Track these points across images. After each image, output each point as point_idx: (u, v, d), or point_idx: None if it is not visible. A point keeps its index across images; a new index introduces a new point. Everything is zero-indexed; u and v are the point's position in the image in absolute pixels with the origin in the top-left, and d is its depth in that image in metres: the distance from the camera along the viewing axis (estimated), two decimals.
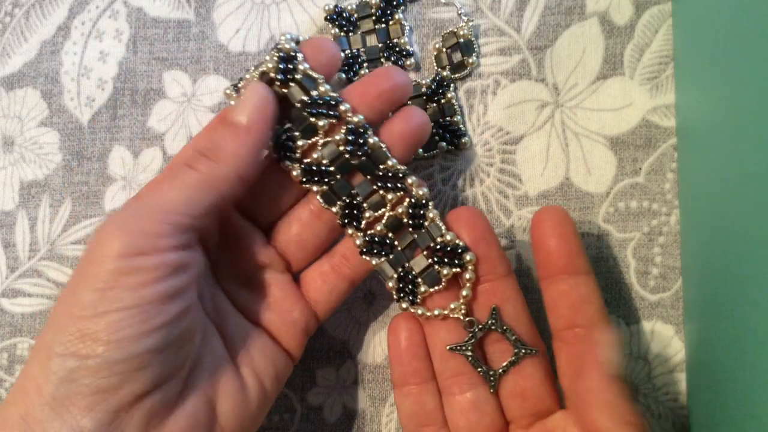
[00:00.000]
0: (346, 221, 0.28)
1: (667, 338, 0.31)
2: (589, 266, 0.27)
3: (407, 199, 0.27)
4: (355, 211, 0.27)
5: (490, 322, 0.27)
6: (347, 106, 0.27)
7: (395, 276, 0.28)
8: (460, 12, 0.33)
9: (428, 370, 0.28)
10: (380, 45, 0.33)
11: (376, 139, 0.27)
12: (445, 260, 0.27)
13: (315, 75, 0.27)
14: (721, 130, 0.26)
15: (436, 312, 0.27)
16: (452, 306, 0.27)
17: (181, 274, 0.23)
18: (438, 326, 0.28)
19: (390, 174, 0.27)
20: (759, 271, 0.23)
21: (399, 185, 0.27)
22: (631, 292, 0.31)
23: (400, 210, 0.27)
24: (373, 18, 0.33)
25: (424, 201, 0.27)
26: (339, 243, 0.29)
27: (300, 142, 0.27)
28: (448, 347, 0.27)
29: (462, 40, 0.32)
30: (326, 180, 0.27)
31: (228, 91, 0.27)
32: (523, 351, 0.27)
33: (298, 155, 0.27)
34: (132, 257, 0.22)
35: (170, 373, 0.23)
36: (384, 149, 0.27)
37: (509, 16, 0.33)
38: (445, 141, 0.32)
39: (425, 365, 0.28)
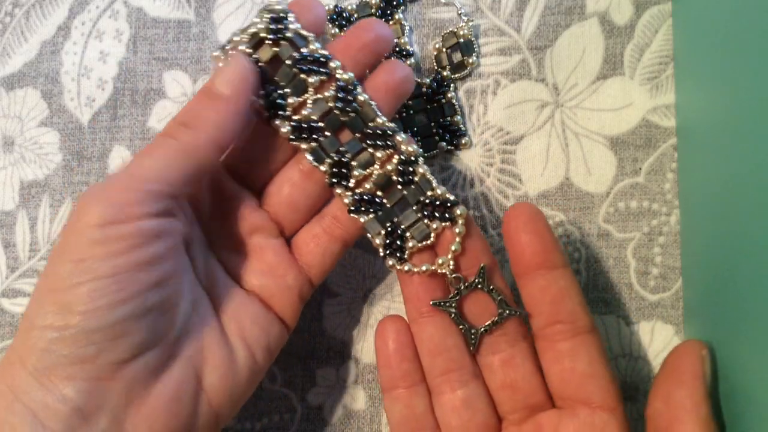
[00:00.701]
0: (334, 180, 0.27)
1: (667, 338, 0.31)
2: (566, 259, 0.26)
3: (396, 156, 0.27)
4: (343, 170, 0.27)
5: (477, 280, 0.26)
6: (337, 63, 0.27)
7: (382, 232, 0.27)
8: (460, 12, 0.33)
9: (417, 372, 0.28)
10: None
11: (365, 96, 0.27)
12: (435, 214, 0.27)
13: (305, 33, 0.27)
14: (721, 130, 0.26)
15: (423, 267, 0.27)
16: (440, 261, 0.27)
17: (158, 241, 0.24)
18: (425, 323, 0.27)
19: (379, 131, 0.27)
20: (759, 271, 0.23)
21: (388, 143, 0.27)
22: (631, 292, 0.31)
23: (389, 167, 0.27)
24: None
25: (413, 158, 0.27)
26: (329, 204, 0.29)
27: (290, 100, 0.27)
28: (432, 302, 0.27)
29: (462, 40, 0.32)
30: (315, 137, 0.27)
31: (216, 54, 0.27)
32: (507, 312, 0.26)
33: (288, 113, 0.27)
34: (107, 226, 0.22)
35: (152, 340, 0.24)
36: (373, 106, 0.27)
37: (509, 16, 0.33)
38: (445, 141, 0.32)
39: (414, 367, 0.28)
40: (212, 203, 0.28)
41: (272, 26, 0.26)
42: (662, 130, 0.32)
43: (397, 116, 0.32)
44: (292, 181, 0.28)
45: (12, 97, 0.34)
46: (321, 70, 0.27)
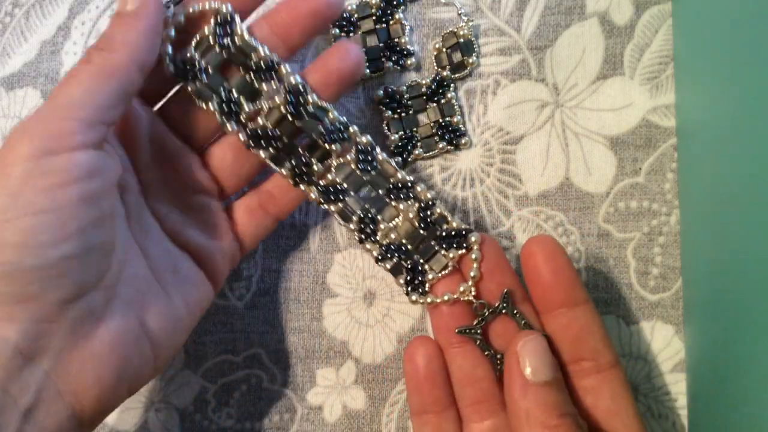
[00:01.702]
0: (363, 236, 0.28)
1: (667, 338, 0.31)
2: (586, 294, 0.27)
3: (416, 204, 0.28)
4: (371, 226, 0.28)
5: (501, 305, 0.27)
6: (355, 128, 0.27)
7: (404, 273, 0.28)
8: (460, 12, 0.33)
9: (448, 397, 0.28)
10: (381, 45, 0.33)
11: (383, 155, 0.28)
12: (453, 245, 0.28)
13: (253, 42, 0.27)
14: (721, 130, 0.26)
15: (446, 297, 0.27)
16: (461, 288, 0.27)
17: (95, 177, 0.23)
18: (455, 353, 0.28)
19: (400, 185, 0.28)
20: (759, 271, 0.23)
21: (410, 194, 0.28)
22: (631, 292, 0.31)
23: (411, 215, 0.28)
24: (374, 18, 0.33)
25: (431, 202, 0.28)
26: (267, 180, 0.29)
27: (246, 107, 0.27)
28: (457, 330, 0.27)
29: (462, 40, 0.32)
30: (341, 197, 0.28)
31: None
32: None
33: (243, 120, 0.28)
34: (41, 158, 0.22)
35: (94, 281, 0.23)
36: (392, 163, 0.28)
37: (509, 16, 0.33)
38: (445, 141, 0.32)
39: (445, 393, 0.28)
40: (153, 154, 0.28)
41: (218, 30, 0.27)
42: (662, 130, 0.32)
43: (397, 116, 0.32)
44: (238, 147, 0.28)
45: (12, 97, 0.34)
46: (272, 75, 0.27)
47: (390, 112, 0.32)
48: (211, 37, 0.27)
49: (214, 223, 0.28)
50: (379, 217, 0.28)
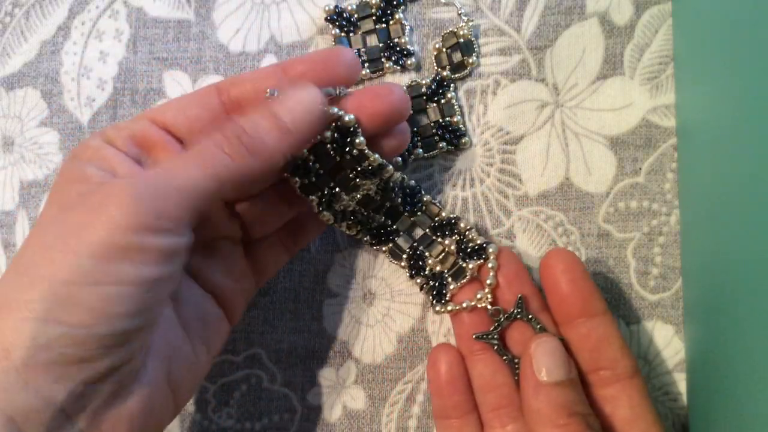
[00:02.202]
0: (413, 272, 0.30)
1: (667, 338, 0.31)
2: (605, 305, 0.27)
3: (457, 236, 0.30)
4: (420, 261, 0.30)
5: (516, 310, 0.28)
6: (390, 169, 0.28)
7: (430, 289, 0.30)
8: (460, 12, 0.33)
9: (469, 403, 0.28)
10: (381, 45, 0.33)
11: (427, 197, 0.30)
12: (473, 257, 0.29)
13: (368, 152, 0.27)
14: (721, 130, 0.26)
15: (464, 304, 0.28)
16: (478, 296, 0.28)
17: (176, 259, 0.23)
18: (476, 360, 0.28)
19: (444, 222, 0.30)
20: (759, 271, 0.23)
21: (454, 230, 0.30)
22: (631, 292, 0.31)
23: (453, 248, 0.30)
24: (374, 18, 0.33)
25: (471, 235, 0.30)
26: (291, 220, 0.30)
27: (343, 198, 0.28)
28: (474, 336, 0.28)
29: (462, 40, 0.32)
30: (392, 238, 0.30)
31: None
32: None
33: (335, 207, 0.28)
34: (140, 233, 0.21)
35: (141, 347, 0.23)
36: (436, 203, 0.30)
37: (509, 16, 0.33)
38: (445, 141, 0.32)
39: (466, 398, 0.28)
40: None
41: (338, 138, 0.26)
42: (662, 130, 0.32)
43: None
44: (269, 202, 0.28)
45: (12, 97, 0.34)
46: (378, 176, 0.28)
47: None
48: (329, 144, 0.26)
49: (236, 267, 0.28)
50: (426, 254, 0.30)
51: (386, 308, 0.32)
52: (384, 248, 0.30)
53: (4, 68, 0.34)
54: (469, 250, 0.29)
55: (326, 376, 0.32)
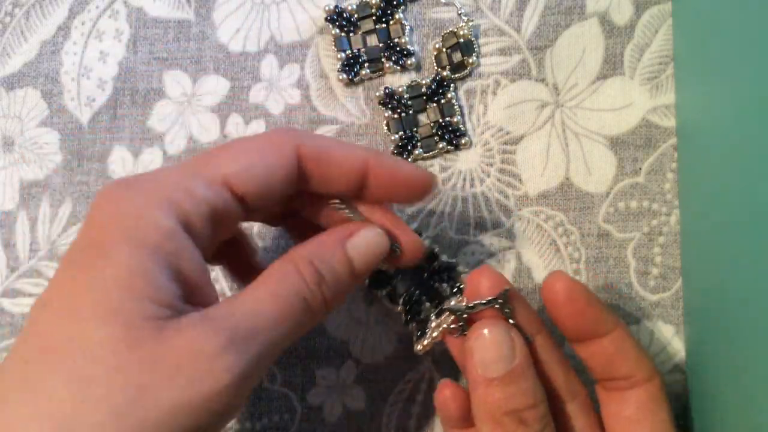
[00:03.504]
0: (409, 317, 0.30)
1: (667, 338, 0.31)
2: (615, 320, 0.26)
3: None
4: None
5: (497, 300, 0.26)
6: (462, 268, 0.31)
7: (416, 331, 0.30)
8: (460, 12, 0.33)
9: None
10: (381, 45, 0.33)
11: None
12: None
13: (446, 260, 0.30)
14: (721, 130, 0.26)
15: (434, 334, 0.27)
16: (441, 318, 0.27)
17: None
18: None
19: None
20: (759, 270, 0.23)
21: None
22: (631, 292, 0.31)
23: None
24: (374, 18, 0.33)
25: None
26: None
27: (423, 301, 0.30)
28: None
29: (462, 40, 0.32)
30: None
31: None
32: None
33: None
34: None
35: None
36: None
37: (509, 16, 0.33)
38: (445, 141, 0.32)
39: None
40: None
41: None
42: (662, 130, 0.32)
43: (397, 116, 0.32)
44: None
45: (12, 97, 0.34)
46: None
47: (390, 112, 0.32)
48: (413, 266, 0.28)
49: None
50: (423, 298, 0.30)
51: (386, 308, 0.32)
52: (383, 292, 0.30)
53: (4, 68, 0.34)
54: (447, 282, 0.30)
55: (326, 376, 0.32)
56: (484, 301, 0.26)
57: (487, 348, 0.24)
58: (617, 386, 0.26)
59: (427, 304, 0.29)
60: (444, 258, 0.30)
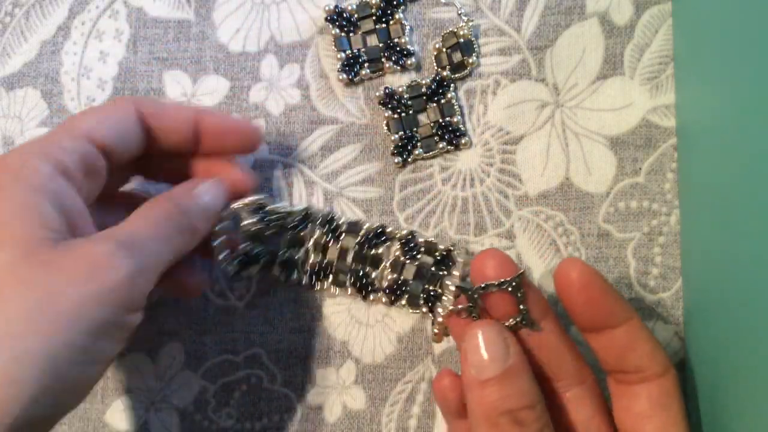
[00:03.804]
0: (364, 296, 0.32)
1: (667, 338, 0.31)
2: (629, 311, 0.25)
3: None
4: (366, 282, 0.32)
5: (511, 282, 0.25)
6: (315, 210, 0.32)
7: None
8: (460, 12, 0.33)
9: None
10: (381, 45, 0.33)
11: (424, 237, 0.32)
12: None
13: (282, 206, 0.31)
14: (721, 130, 0.26)
15: (439, 319, 0.27)
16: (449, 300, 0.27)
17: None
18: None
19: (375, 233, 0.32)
20: (759, 270, 0.23)
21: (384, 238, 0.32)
22: (631, 292, 0.31)
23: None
24: (374, 18, 0.33)
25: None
26: None
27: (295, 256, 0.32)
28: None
29: (462, 40, 0.32)
30: (330, 272, 0.32)
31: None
32: (523, 322, 0.26)
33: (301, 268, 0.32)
34: (130, 312, 0.24)
35: None
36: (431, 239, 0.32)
37: (509, 16, 0.33)
38: (445, 141, 0.32)
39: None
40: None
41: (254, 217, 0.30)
42: (662, 130, 0.32)
43: (397, 116, 0.32)
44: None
45: (12, 97, 0.34)
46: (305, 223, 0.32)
47: (390, 112, 0.32)
48: (251, 227, 0.30)
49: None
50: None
51: (386, 308, 0.32)
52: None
53: (4, 68, 0.34)
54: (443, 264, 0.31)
55: (326, 376, 0.32)
56: (497, 282, 0.25)
57: (481, 349, 0.25)
58: (629, 379, 0.26)
59: (445, 298, 0.27)
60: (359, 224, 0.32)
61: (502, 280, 0.25)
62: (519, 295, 0.26)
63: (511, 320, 0.26)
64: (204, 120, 0.29)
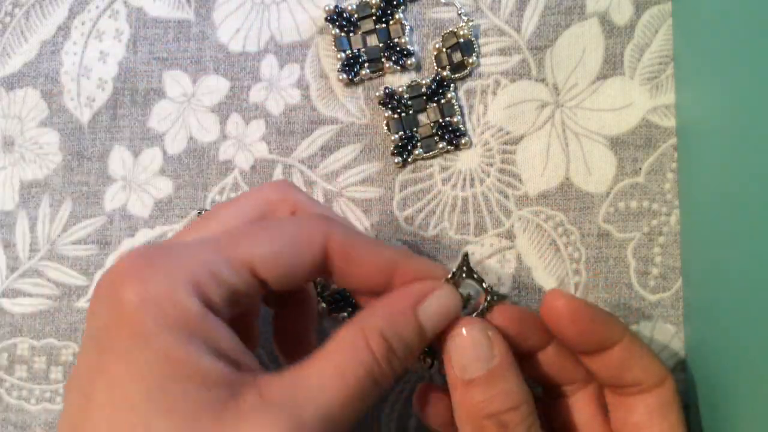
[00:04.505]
0: None
1: (667, 338, 0.31)
2: (622, 329, 0.25)
3: None
4: None
5: (462, 268, 0.25)
6: None
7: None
8: (460, 12, 0.33)
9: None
10: (381, 45, 0.33)
11: None
12: None
13: None
14: (721, 130, 0.26)
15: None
16: None
17: None
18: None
19: None
20: (759, 270, 0.23)
21: None
22: (631, 292, 0.31)
23: None
24: (374, 18, 0.33)
25: None
26: None
27: None
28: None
29: (462, 40, 0.32)
30: None
31: None
32: (495, 297, 0.25)
33: None
34: None
35: None
36: None
37: (509, 16, 0.33)
38: (445, 141, 0.32)
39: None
40: None
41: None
42: (662, 130, 0.32)
43: (397, 116, 0.32)
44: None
45: (12, 97, 0.34)
46: None
47: (390, 112, 0.32)
48: None
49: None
50: None
51: None
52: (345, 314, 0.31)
53: (4, 68, 0.34)
54: None
55: None
56: (449, 277, 0.25)
57: (464, 348, 0.23)
58: (626, 392, 0.26)
59: None
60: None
61: (453, 271, 0.25)
62: (475, 276, 0.25)
63: (484, 304, 0.25)
64: (403, 270, 0.24)
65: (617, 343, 0.25)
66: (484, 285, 0.26)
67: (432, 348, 0.28)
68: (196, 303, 0.20)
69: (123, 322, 0.19)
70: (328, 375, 0.21)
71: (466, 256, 0.25)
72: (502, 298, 0.26)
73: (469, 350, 0.23)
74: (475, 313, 0.25)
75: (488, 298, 0.25)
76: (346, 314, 0.31)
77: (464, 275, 0.25)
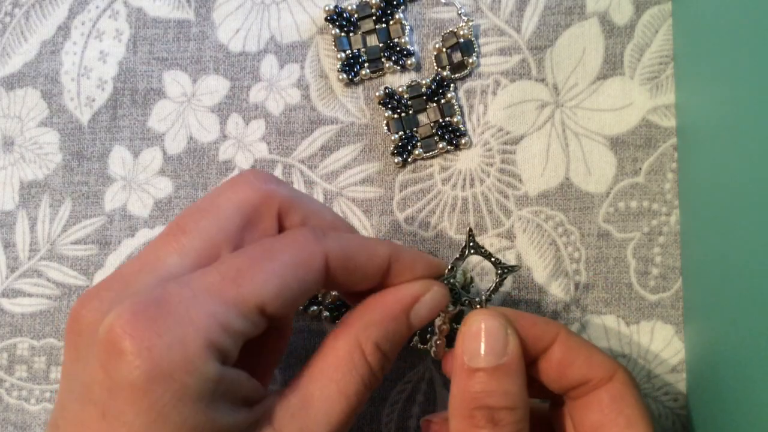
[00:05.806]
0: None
1: (667, 338, 0.31)
2: (553, 326, 0.25)
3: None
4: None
5: (470, 245, 0.25)
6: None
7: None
8: (460, 12, 0.33)
9: None
10: (381, 45, 0.33)
11: None
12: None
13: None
14: (721, 130, 0.26)
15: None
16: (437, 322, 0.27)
17: None
18: None
19: None
20: (759, 270, 0.23)
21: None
22: (631, 292, 0.31)
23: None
24: (374, 18, 0.33)
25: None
26: None
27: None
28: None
29: (462, 40, 0.32)
30: None
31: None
32: (507, 269, 0.26)
33: None
34: None
35: None
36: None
37: (509, 16, 0.33)
38: (445, 141, 0.32)
39: None
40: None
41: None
42: (662, 130, 0.32)
43: (397, 116, 0.32)
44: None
45: (12, 97, 0.34)
46: None
47: (390, 112, 0.32)
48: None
49: None
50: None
51: None
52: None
53: (4, 68, 0.34)
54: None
55: None
56: (458, 256, 0.25)
57: (479, 337, 0.24)
58: (579, 393, 0.25)
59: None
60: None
61: (460, 253, 0.25)
62: (483, 251, 0.26)
63: (496, 279, 0.26)
64: (395, 262, 0.24)
65: (554, 340, 0.25)
66: (492, 259, 0.26)
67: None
68: (213, 365, 0.19)
69: (134, 395, 0.19)
70: (333, 399, 0.22)
71: (470, 232, 0.26)
72: (512, 269, 0.26)
73: (483, 340, 0.24)
74: (489, 290, 0.26)
75: (499, 272, 0.26)
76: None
77: (472, 251, 0.26)
